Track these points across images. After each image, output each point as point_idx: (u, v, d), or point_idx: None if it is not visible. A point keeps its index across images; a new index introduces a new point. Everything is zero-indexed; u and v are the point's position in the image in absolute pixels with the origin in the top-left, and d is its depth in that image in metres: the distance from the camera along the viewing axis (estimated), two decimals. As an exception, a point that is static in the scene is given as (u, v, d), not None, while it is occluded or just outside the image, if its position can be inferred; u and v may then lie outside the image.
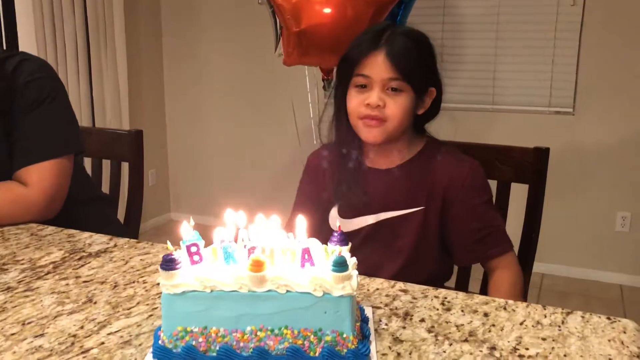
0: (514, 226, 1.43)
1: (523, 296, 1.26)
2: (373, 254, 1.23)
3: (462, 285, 1.43)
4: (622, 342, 0.77)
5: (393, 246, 1.25)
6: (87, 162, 1.80)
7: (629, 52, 2.97)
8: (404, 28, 1.24)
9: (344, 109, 1.23)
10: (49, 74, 1.38)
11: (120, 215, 1.72)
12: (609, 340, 0.78)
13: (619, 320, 0.83)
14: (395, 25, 1.24)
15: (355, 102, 1.19)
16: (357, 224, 1.26)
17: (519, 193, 1.43)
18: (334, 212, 1.30)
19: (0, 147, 1.33)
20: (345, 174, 1.26)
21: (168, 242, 0.75)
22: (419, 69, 1.18)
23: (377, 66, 1.16)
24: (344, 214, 1.28)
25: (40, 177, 1.31)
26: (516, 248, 1.40)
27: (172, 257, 0.71)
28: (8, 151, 1.33)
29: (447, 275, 1.34)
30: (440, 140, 1.31)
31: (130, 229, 1.67)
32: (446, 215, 1.23)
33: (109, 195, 1.68)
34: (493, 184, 1.42)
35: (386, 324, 0.83)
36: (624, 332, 0.80)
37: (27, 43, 3.11)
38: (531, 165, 1.38)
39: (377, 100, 1.16)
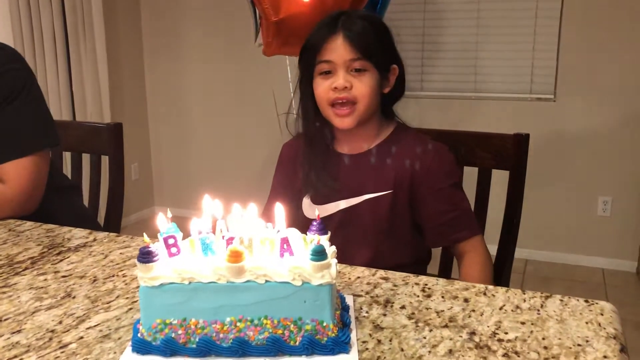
0: (496, 213, 1.44)
1: (493, 279, 1.28)
2: (348, 239, 1.24)
3: (444, 272, 1.44)
4: (600, 324, 0.78)
5: (366, 230, 1.27)
6: (67, 156, 1.78)
7: (609, 38, 2.99)
8: (357, 12, 1.27)
9: (310, 98, 1.25)
10: (23, 65, 1.35)
11: (102, 208, 1.70)
12: (587, 323, 0.79)
13: (597, 303, 0.84)
14: (348, 10, 1.28)
15: (322, 88, 1.21)
16: (330, 210, 1.28)
17: (499, 179, 1.43)
18: (307, 200, 1.31)
19: None
20: (313, 161, 1.28)
21: (145, 234, 0.74)
22: (378, 47, 1.21)
23: (338, 49, 1.18)
24: (317, 200, 1.29)
25: (18, 174, 1.30)
26: (498, 234, 1.41)
27: (149, 249, 0.71)
28: None
29: (426, 259, 1.35)
30: (408, 126, 1.33)
31: (111, 222, 1.66)
32: (414, 197, 1.26)
33: (75, 182, 1.66)
34: (474, 171, 1.43)
35: (367, 312, 0.83)
36: (601, 314, 0.81)
37: (3, 36, 3.06)
38: (511, 152, 1.38)
39: (344, 82, 1.18)
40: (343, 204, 1.27)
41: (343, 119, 1.21)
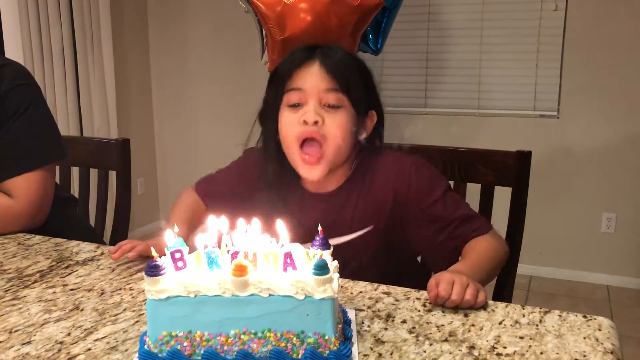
0: (498, 229, 1.45)
1: (500, 265, 1.14)
2: None
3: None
4: (597, 339, 0.79)
5: (351, 271, 1.10)
6: (75, 171, 1.81)
7: (611, 55, 3.02)
8: (338, 46, 1.13)
9: (273, 135, 1.12)
10: (30, 81, 1.38)
11: (109, 223, 1.72)
12: (585, 338, 0.80)
13: (595, 319, 0.85)
14: (328, 44, 1.13)
15: (289, 121, 1.07)
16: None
17: (502, 196, 1.45)
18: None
19: None
20: (276, 204, 1.12)
21: (152, 248, 0.76)
22: (358, 82, 1.08)
23: (312, 77, 1.06)
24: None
25: (27, 189, 1.32)
26: (500, 250, 1.42)
27: (157, 263, 0.73)
28: None
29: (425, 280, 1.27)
30: (377, 146, 1.18)
31: (118, 236, 1.68)
32: (403, 224, 1.13)
33: (71, 194, 1.69)
34: (476, 187, 1.44)
35: (368, 326, 0.85)
36: (599, 330, 0.82)
37: (13, 51, 3.11)
38: (513, 169, 1.40)
39: (314, 116, 1.04)
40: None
41: (311, 169, 1.07)
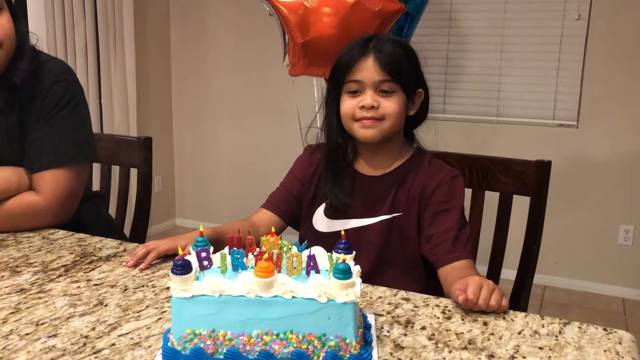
0: (516, 238, 1.46)
1: None
2: (361, 258, 1.15)
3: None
4: (618, 353, 0.79)
5: (371, 253, 1.28)
6: (96, 167, 1.83)
7: (633, 66, 2.99)
8: (388, 36, 1.31)
9: (335, 116, 1.29)
10: (73, 78, 1.39)
11: (128, 220, 1.74)
12: (605, 351, 0.80)
13: (615, 332, 0.85)
14: (379, 34, 1.31)
15: (349, 105, 1.25)
16: (340, 226, 1.31)
17: (520, 205, 1.45)
18: (320, 211, 1.33)
19: (7, 122, 1.33)
20: (331, 176, 1.31)
21: (179, 247, 0.77)
22: (407, 70, 1.25)
23: (368, 70, 1.22)
24: (329, 214, 1.33)
25: (54, 185, 1.32)
26: (517, 259, 1.42)
27: (184, 261, 0.74)
28: (19, 132, 1.34)
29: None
30: (427, 151, 1.36)
31: (137, 234, 1.70)
32: (418, 220, 1.27)
33: (99, 192, 1.70)
34: (495, 196, 1.45)
35: (388, 331, 0.85)
36: (620, 343, 0.82)
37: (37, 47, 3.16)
38: (533, 178, 1.40)
39: (372, 102, 1.22)
40: (355, 223, 1.30)
41: (367, 130, 1.23)
